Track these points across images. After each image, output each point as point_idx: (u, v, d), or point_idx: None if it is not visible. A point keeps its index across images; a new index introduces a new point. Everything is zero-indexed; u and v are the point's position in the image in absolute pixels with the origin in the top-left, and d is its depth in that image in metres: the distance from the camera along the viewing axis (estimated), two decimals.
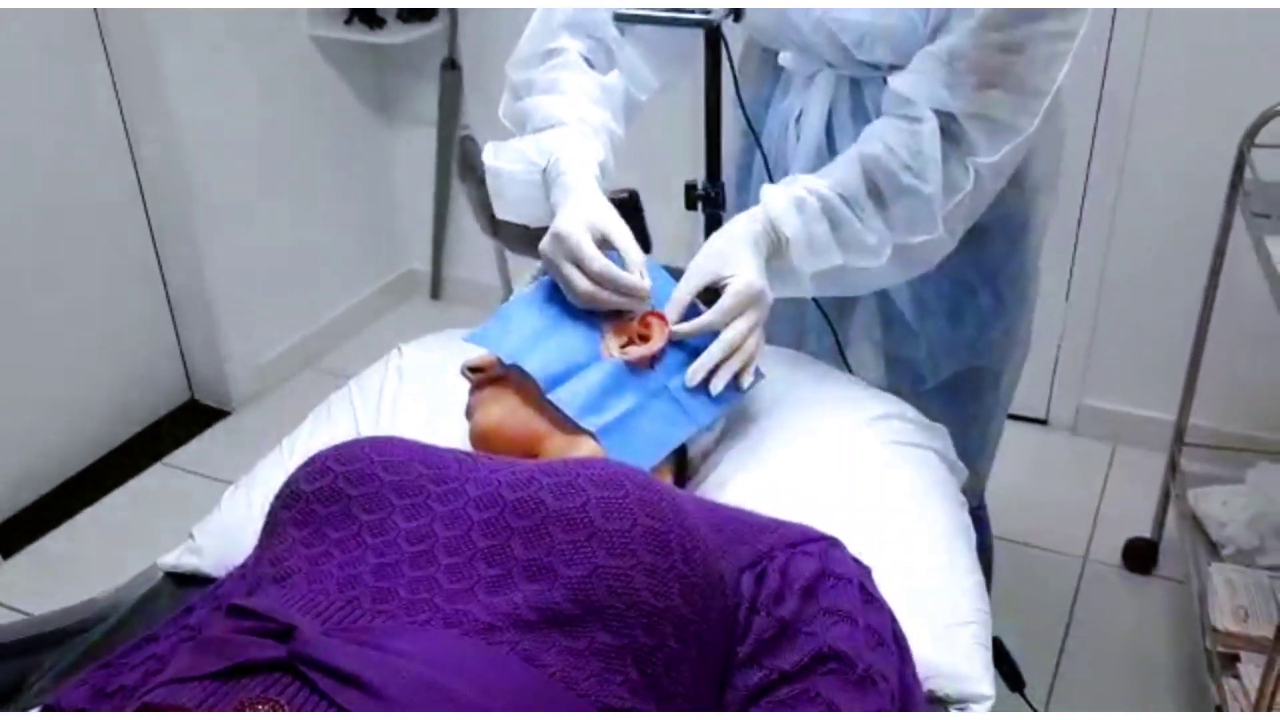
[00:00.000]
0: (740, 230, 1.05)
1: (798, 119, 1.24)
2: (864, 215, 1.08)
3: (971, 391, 1.40)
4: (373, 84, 2.88)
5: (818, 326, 1.35)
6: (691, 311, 1.01)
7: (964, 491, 1.14)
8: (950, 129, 1.06)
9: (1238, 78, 1.99)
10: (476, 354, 1.01)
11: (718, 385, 0.99)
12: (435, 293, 3.10)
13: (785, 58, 1.23)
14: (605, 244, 0.99)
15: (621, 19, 1.13)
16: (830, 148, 1.23)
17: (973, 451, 1.41)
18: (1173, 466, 2.01)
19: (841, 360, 1.32)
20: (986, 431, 1.46)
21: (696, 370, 0.99)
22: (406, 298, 3.12)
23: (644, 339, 1.00)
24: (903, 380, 1.38)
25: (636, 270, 0.99)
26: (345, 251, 2.93)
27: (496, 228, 1.92)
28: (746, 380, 1.01)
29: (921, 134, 1.06)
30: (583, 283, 0.97)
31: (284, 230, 2.72)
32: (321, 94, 2.75)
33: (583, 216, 0.98)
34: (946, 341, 1.35)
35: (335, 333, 2.91)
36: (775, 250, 1.07)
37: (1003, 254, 1.31)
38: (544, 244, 0.99)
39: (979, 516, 1.57)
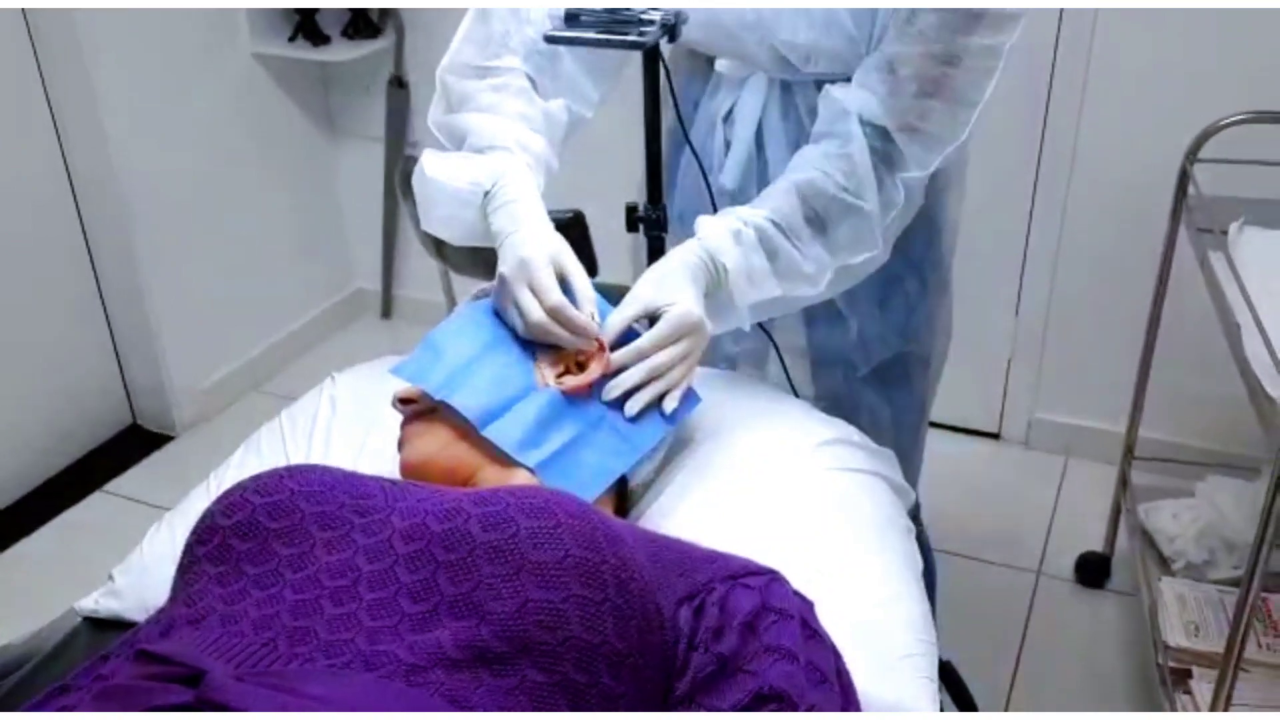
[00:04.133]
0: (678, 262, 1.05)
1: (726, 116, 1.25)
2: (801, 244, 1.09)
3: (902, 377, 1.42)
4: (318, 101, 2.84)
5: (753, 337, 1.35)
6: (631, 339, 1.00)
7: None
8: (884, 150, 1.09)
9: (1179, 94, 2.01)
10: (404, 385, 0.98)
11: (633, 408, 0.98)
12: (385, 312, 3.07)
13: (722, 64, 1.24)
14: (560, 281, 0.99)
15: (553, 41, 1.11)
16: (759, 150, 1.24)
17: (906, 446, 1.44)
18: (1123, 480, 2.01)
19: (785, 377, 1.32)
20: (919, 423, 1.50)
21: (611, 388, 0.98)
22: (356, 318, 3.08)
23: (581, 366, 0.99)
24: (833, 373, 1.40)
25: (588, 310, 0.98)
26: (292, 271, 2.89)
27: (442, 250, 1.90)
28: (670, 405, 1.00)
29: (853, 156, 1.08)
30: (536, 312, 0.96)
31: (228, 250, 2.67)
32: (265, 111, 2.70)
33: (546, 247, 0.99)
34: (877, 326, 1.37)
35: (282, 355, 2.86)
36: (714, 283, 1.06)
37: (923, 246, 1.34)
38: (506, 267, 0.99)
39: (915, 519, 1.58)
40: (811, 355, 1.39)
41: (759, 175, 1.27)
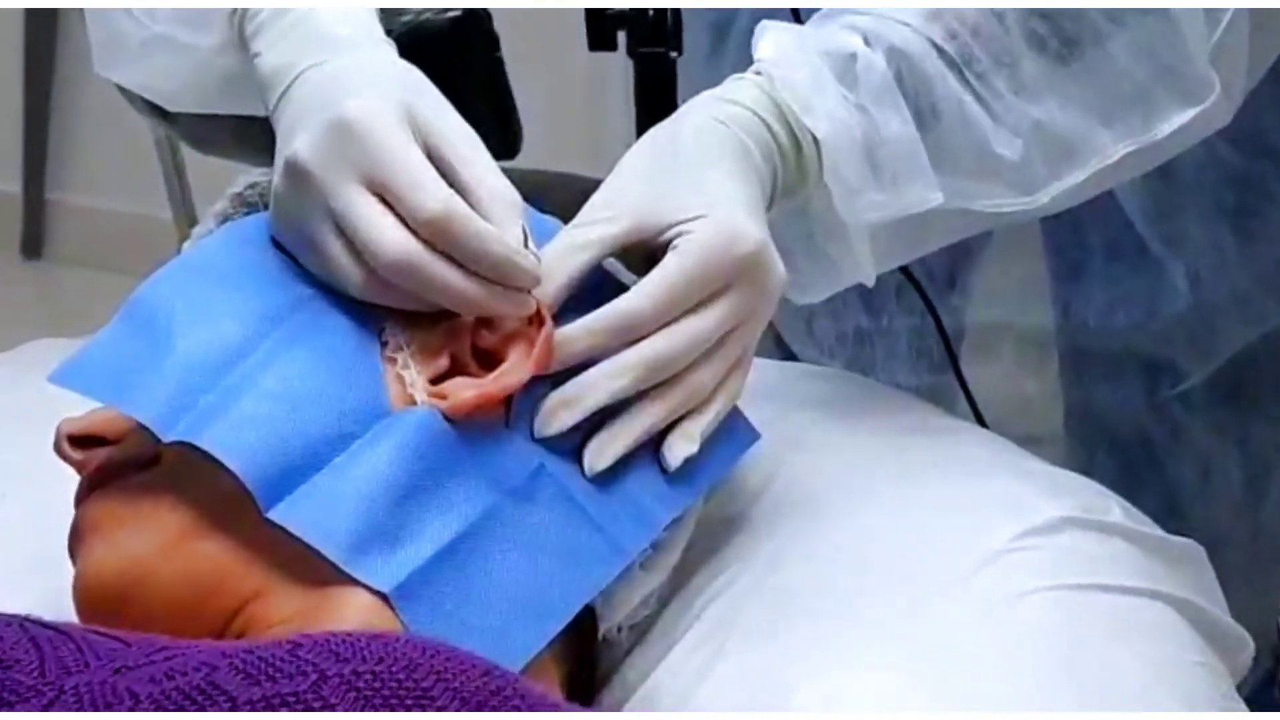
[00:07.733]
0: (703, 120, 1.05)
1: None
2: (1007, 86, 1.10)
3: (1271, 390, 1.52)
4: None
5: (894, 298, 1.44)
6: (601, 297, 0.99)
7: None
8: None
9: None
10: (91, 406, 0.98)
11: (602, 457, 0.98)
12: (30, 245, 3.27)
13: None
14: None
15: None
16: None
17: (1269, 537, 1.57)
18: None
19: (955, 376, 1.39)
20: None
21: (556, 407, 0.98)
22: None
23: (488, 359, 0.98)
24: (1126, 383, 1.51)
25: (512, 229, 0.95)
26: None
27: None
28: (681, 450, 0.99)
29: None
30: (393, 239, 0.93)
31: None
32: None
33: (393, 91, 0.99)
34: (1231, 275, 1.45)
35: None
36: (793, 174, 1.07)
37: None
38: (306, 142, 0.97)
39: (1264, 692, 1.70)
40: (1070, 345, 1.43)
41: None
